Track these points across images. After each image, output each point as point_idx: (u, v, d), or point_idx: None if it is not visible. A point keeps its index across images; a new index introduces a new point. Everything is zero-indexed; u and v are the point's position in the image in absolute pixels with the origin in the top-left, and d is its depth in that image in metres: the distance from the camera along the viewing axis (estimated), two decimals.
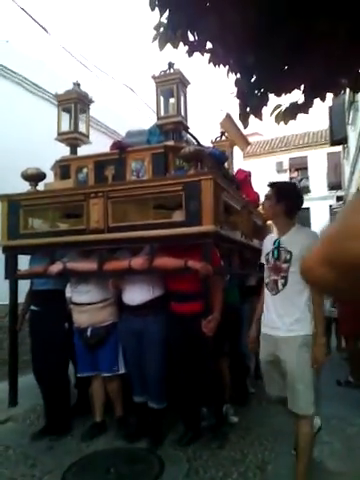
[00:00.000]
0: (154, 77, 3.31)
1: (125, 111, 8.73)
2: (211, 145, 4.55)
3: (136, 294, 3.21)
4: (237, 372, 3.95)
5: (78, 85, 3.67)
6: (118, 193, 3.12)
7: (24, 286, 3.76)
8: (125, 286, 3.29)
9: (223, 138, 4.78)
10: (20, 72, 5.82)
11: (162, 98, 3.36)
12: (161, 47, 3.04)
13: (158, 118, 3.36)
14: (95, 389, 3.50)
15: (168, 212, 3.09)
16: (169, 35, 2.90)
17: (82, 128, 3.77)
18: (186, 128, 3.46)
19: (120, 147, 3.32)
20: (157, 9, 2.78)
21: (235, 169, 5.01)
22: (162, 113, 3.35)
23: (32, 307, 3.60)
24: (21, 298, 3.76)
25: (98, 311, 3.35)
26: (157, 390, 3.23)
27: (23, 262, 3.73)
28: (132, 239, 3.07)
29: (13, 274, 3.59)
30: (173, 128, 3.33)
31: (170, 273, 3.14)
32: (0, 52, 5.53)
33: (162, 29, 2.97)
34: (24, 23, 6.80)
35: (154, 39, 3.03)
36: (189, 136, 3.63)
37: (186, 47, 2.97)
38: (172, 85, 3.27)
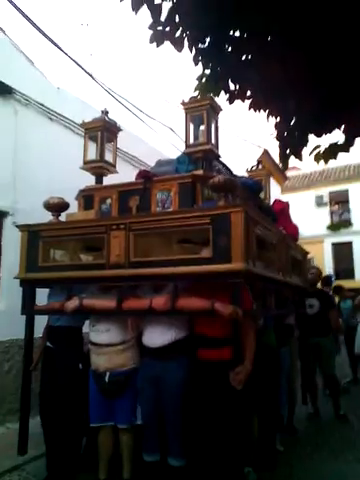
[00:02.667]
0: (183, 103, 3.12)
1: (168, 151, 8.74)
2: (246, 175, 4.27)
3: (156, 336, 2.90)
4: (268, 426, 3.46)
5: (106, 113, 3.54)
6: (141, 225, 2.87)
7: (42, 320, 3.56)
8: (145, 327, 2.99)
9: (259, 167, 4.49)
10: (68, 116, 6.08)
11: (192, 125, 3.16)
12: (203, 96, 3.15)
13: (187, 146, 3.14)
14: (102, 441, 3.13)
15: (194, 247, 2.80)
16: (211, 85, 3.00)
17: (109, 157, 3.61)
18: (217, 157, 3.22)
19: (145, 176, 3.11)
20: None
21: (272, 200, 4.70)
22: (191, 141, 3.13)
23: (47, 343, 3.39)
24: (38, 333, 3.54)
25: (118, 354, 3.05)
26: (176, 443, 2.85)
27: (43, 296, 3.53)
28: (154, 276, 2.79)
29: (30, 309, 3.38)
30: (202, 156, 3.09)
31: (196, 315, 2.83)
32: (52, 98, 5.83)
33: (204, 79, 3.04)
34: (72, 69, 7.10)
35: (196, 89, 3.14)
36: (220, 166, 3.38)
37: (227, 95, 3.00)
38: (202, 111, 3.06)
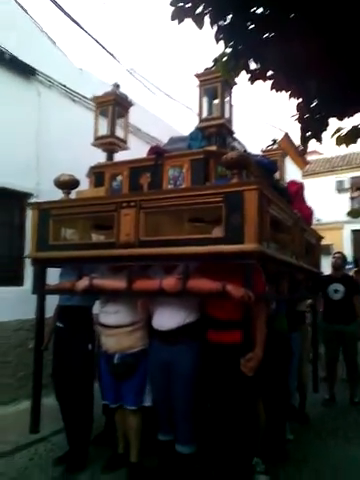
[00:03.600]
0: (197, 75, 2.98)
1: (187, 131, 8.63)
2: (261, 154, 4.11)
3: (166, 318, 2.83)
4: (276, 415, 3.31)
5: (117, 87, 3.41)
6: (151, 203, 2.77)
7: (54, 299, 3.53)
8: (155, 309, 2.92)
9: (275, 146, 4.32)
10: (90, 97, 5.96)
11: (205, 99, 3.01)
12: (224, 75, 3.01)
13: (200, 121, 3.00)
14: (118, 420, 3.18)
15: (206, 226, 2.69)
16: (231, 64, 2.90)
17: (120, 133, 3.50)
18: (231, 132, 3.08)
19: (157, 152, 3.00)
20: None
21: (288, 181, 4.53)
22: (204, 115, 2.99)
23: (57, 323, 3.36)
24: (50, 312, 3.52)
25: (127, 335, 3.01)
26: (186, 430, 2.80)
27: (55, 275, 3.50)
28: (164, 256, 2.69)
29: (41, 289, 3.35)
30: (216, 132, 2.95)
31: (206, 297, 2.74)
32: (74, 80, 5.82)
33: (225, 58, 2.90)
34: (95, 51, 7.04)
35: (216, 67, 3.02)
36: (235, 142, 3.23)
37: (248, 75, 2.91)
38: (216, 84, 2.91)
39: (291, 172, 11.93)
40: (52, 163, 4.97)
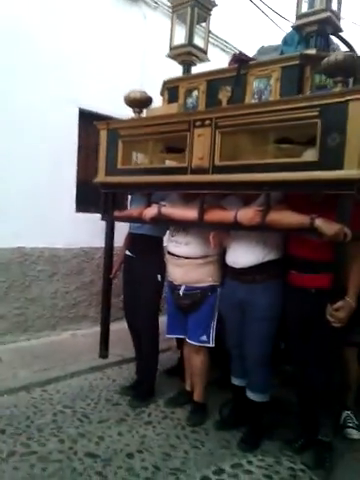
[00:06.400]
0: None
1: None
2: None
3: (241, 255, 2.51)
4: None
5: None
6: (229, 121, 2.34)
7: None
8: (230, 244, 2.60)
9: None
10: None
11: None
12: None
13: (297, 17, 2.41)
14: (186, 355, 3.05)
15: (296, 149, 2.22)
16: None
17: (199, 41, 3.02)
18: (337, 30, 2.43)
19: (240, 60, 2.49)
20: None
21: None
22: (303, 9, 2.39)
23: (126, 252, 3.23)
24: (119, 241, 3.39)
25: (196, 268, 2.76)
26: (258, 378, 2.59)
27: None
28: (243, 183, 2.30)
29: (109, 216, 3.18)
30: (317, 31, 2.35)
31: (290, 233, 2.35)
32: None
33: None
34: None
35: None
36: (340, 43, 2.58)
37: None
38: None
39: None
40: (155, 90, 4.74)
